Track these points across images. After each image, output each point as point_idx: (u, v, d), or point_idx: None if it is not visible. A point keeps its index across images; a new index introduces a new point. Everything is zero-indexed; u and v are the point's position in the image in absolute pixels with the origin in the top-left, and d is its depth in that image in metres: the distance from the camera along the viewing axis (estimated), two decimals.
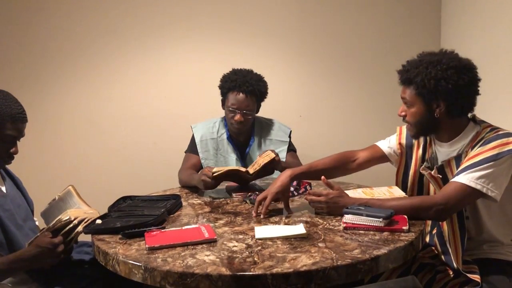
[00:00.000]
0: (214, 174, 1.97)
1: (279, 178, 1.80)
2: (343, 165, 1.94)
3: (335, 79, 3.10)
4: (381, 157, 1.94)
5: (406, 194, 1.82)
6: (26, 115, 1.64)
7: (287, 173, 1.82)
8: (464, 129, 1.67)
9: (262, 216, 1.72)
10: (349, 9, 3.04)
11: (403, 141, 1.87)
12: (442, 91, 1.58)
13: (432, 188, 1.76)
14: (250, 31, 3.01)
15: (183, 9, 2.95)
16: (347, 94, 3.12)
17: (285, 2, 3.01)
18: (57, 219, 1.54)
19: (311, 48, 3.06)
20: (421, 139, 1.81)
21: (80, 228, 1.57)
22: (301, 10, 3.02)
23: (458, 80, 1.57)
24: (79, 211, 1.62)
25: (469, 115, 1.69)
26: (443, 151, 1.72)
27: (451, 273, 1.65)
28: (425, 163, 1.75)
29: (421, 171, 1.74)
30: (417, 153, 1.82)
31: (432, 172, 1.67)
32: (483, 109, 2.57)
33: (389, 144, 1.92)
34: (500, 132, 1.59)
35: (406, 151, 1.86)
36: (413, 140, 1.83)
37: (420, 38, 3.05)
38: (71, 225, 1.55)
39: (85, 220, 1.59)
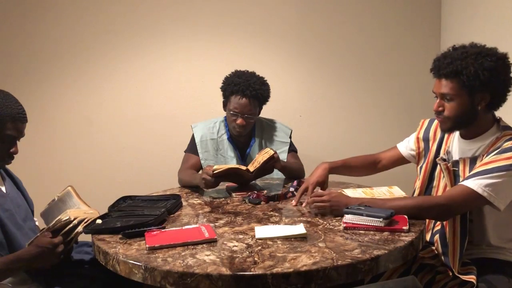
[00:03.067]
0: (215, 172, 1.98)
1: (317, 170, 1.98)
2: (371, 165, 2.07)
3: (335, 79, 3.10)
4: (402, 159, 2.01)
5: (405, 194, 1.83)
6: (26, 115, 1.64)
7: (324, 165, 1.99)
8: (489, 130, 1.66)
9: (304, 205, 1.83)
10: (349, 9, 3.04)
11: (421, 135, 1.89)
12: (494, 82, 1.58)
13: (442, 181, 1.75)
14: (250, 31, 3.01)
15: (183, 9, 2.95)
16: (347, 94, 3.12)
17: (286, 1, 3.01)
18: (56, 219, 1.54)
19: (311, 47, 3.06)
20: (438, 134, 1.82)
21: (80, 228, 1.57)
22: (302, 9, 3.02)
23: (508, 72, 1.60)
24: (78, 211, 1.62)
25: (497, 116, 1.69)
26: (461, 148, 1.71)
27: (450, 274, 1.65)
28: (441, 155, 1.75)
29: (437, 161, 1.74)
30: (433, 145, 1.83)
31: (449, 165, 1.67)
32: None
33: (407, 144, 1.97)
34: None
35: (424, 145, 1.88)
36: (430, 134, 1.85)
37: (420, 38, 3.05)
38: (71, 225, 1.55)
39: (85, 220, 1.59)
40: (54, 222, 1.54)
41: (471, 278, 1.55)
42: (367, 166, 2.06)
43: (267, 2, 3.00)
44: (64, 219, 1.54)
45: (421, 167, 1.85)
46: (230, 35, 3.00)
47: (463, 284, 1.58)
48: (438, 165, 1.75)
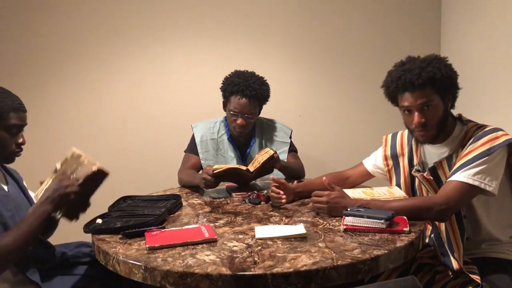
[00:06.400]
0: (215, 172, 1.98)
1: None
2: (340, 182, 1.99)
3: (335, 79, 3.11)
4: (368, 175, 2.03)
5: (405, 194, 1.83)
6: (24, 105, 1.66)
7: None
8: (454, 129, 1.71)
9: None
10: (349, 10, 3.04)
11: (388, 152, 1.92)
12: (455, 81, 1.67)
13: (424, 191, 1.77)
14: (250, 32, 3.01)
15: (184, 10, 2.96)
16: (347, 94, 3.12)
17: (285, 2, 3.02)
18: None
19: (311, 48, 3.06)
20: (406, 148, 1.85)
21: (94, 168, 1.61)
22: (301, 10, 3.03)
23: (456, 73, 1.69)
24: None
25: (456, 114, 1.75)
26: (435, 153, 1.74)
27: (450, 273, 1.65)
28: (415, 167, 1.77)
29: (413, 174, 1.76)
30: (403, 160, 1.85)
31: (425, 174, 1.69)
32: (484, 110, 2.58)
33: (374, 162, 1.99)
34: (487, 129, 1.64)
35: (392, 162, 1.90)
36: (397, 149, 1.88)
37: (420, 39, 3.06)
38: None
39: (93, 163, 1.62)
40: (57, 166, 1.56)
41: (476, 277, 1.55)
42: (336, 184, 1.99)
43: (267, 3, 3.00)
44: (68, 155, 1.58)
45: (399, 185, 1.87)
46: (230, 35, 3.00)
47: (463, 284, 1.58)
48: (416, 178, 1.77)
